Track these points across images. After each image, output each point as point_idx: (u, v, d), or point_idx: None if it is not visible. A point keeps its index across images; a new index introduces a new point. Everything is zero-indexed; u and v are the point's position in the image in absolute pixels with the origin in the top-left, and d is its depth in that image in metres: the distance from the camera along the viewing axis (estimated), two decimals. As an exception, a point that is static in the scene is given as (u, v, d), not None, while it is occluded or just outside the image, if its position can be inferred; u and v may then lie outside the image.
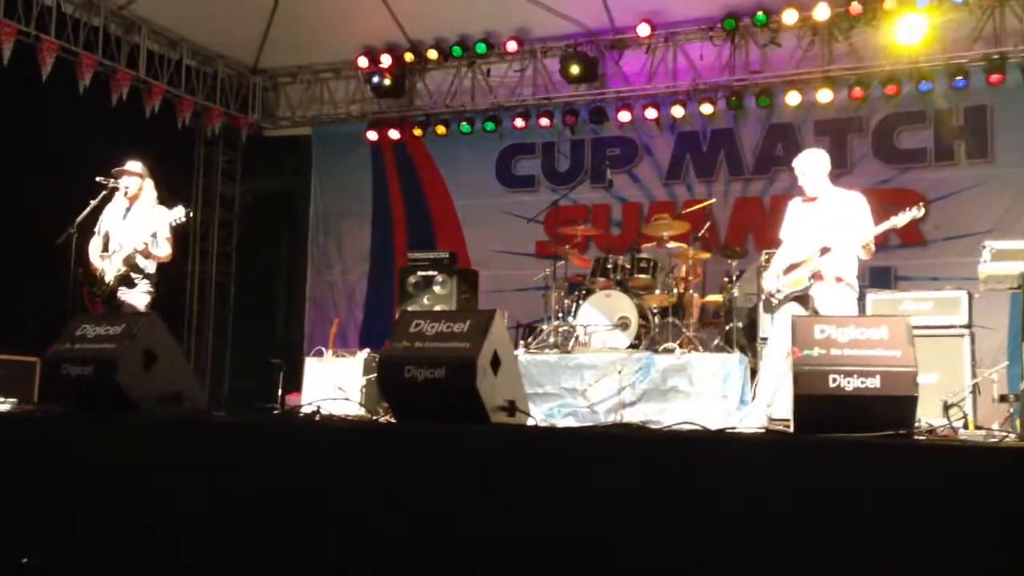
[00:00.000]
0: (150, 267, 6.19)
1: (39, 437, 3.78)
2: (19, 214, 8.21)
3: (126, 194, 6.23)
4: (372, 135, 10.69)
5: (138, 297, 6.14)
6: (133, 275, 6.11)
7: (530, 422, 3.60)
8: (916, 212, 5.33)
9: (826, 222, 5.47)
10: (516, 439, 3.15)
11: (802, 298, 5.47)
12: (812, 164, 5.57)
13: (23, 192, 8.36)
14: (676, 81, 9.51)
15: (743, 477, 2.69)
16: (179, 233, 6.31)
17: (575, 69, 9.53)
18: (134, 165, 6.28)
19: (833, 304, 5.33)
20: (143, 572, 3.28)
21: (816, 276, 5.40)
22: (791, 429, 3.35)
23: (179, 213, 6.12)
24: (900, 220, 5.33)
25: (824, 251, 5.38)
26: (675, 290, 7.51)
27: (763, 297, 5.93)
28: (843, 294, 5.40)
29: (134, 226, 6.17)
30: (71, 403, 3.98)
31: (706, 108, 9.33)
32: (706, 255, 8.05)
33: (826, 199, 5.57)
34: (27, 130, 8.44)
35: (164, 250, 6.19)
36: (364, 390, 7.53)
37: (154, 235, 6.13)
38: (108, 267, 6.12)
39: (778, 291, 5.58)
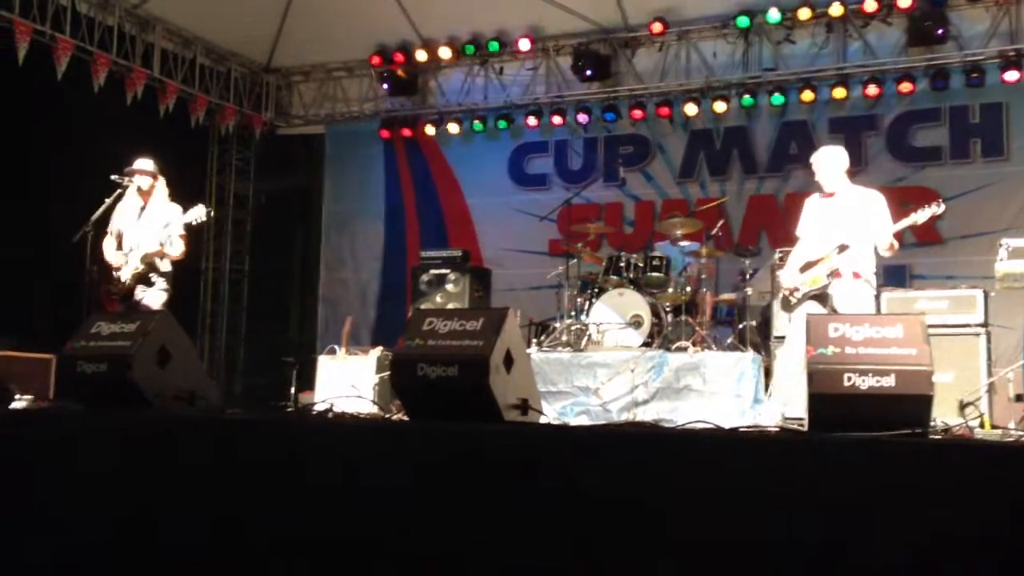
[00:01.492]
0: (165, 265, 6.23)
1: (54, 433, 3.80)
2: (34, 213, 8.27)
3: (139, 192, 6.26)
4: (385, 133, 10.71)
5: (155, 296, 6.17)
6: (151, 275, 6.14)
7: (543, 420, 3.59)
8: (936, 208, 5.30)
9: (844, 219, 5.45)
10: (529, 437, 3.15)
11: (820, 296, 5.44)
12: (830, 160, 5.55)
13: (38, 190, 8.42)
14: (689, 79, 9.49)
15: (757, 476, 2.68)
16: (193, 232, 6.33)
17: (588, 67, 9.52)
18: (147, 163, 6.32)
19: (851, 300, 5.31)
20: (151, 571, 3.29)
21: (834, 274, 5.38)
22: (805, 428, 3.33)
23: (200, 212, 6.14)
24: (920, 217, 5.31)
25: (842, 248, 5.36)
26: (688, 288, 7.49)
27: (781, 295, 5.90)
28: (861, 290, 5.38)
29: (149, 224, 6.20)
30: (86, 400, 4.00)
31: (719, 106, 9.29)
32: (719, 253, 8.03)
33: (844, 196, 5.55)
34: (42, 129, 8.50)
35: (177, 249, 6.21)
36: (377, 388, 7.55)
37: (166, 226, 6.14)
38: (125, 266, 6.15)
39: (796, 289, 5.55)
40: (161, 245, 6.09)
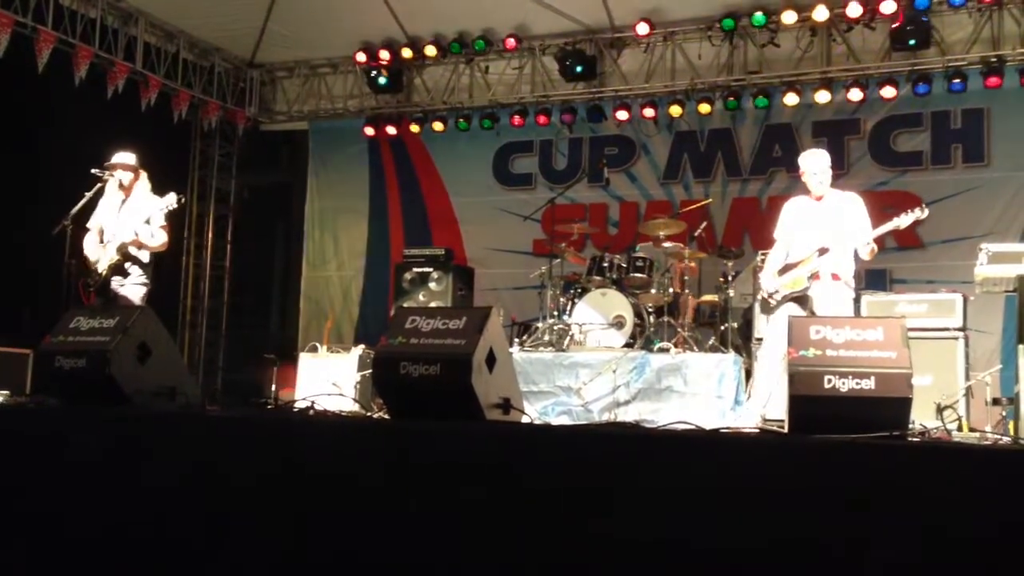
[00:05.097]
0: (144, 256, 6.16)
1: (31, 430, 3.76)
2: (13, 206, 8.19)
3: (120, 186, 6.21)
4: (369, 131, 10.68)
5: (133, 289, 6.11)
6: (127, 265, 6.08)
7: (525, 420, 3.59)
8: (920, 213, 5.33)
9: (830, 222, 5.48)
10: (510, 437, 3.14)
11: (800, 298, 5.47)
12: (825, 164, 5.58)
13: (17, 184, 8.35)
14: (674, 80, 9.51)
15: (737, 477, 2.69)
16: (174, 227, 6.29)
17: (574, 67, 9.53)
18: (128, 157, 6.26)
19: (830, 302, 5.34)
20: (133, 570, 3.26)
21: (814, 276, 5.41)
22: (785, 430, 3.35)
23: (170, 200, 6.09)
24: (904, 221, 5.34)
25: (822, 251, 5.39)
26: (671, 289, 7.51)
27: (760, 298, 5.93)
28: (840, 292, 5.41)
29: (129, 217, 6.15)
30: (64, 396, 3.96)
31: (704, 108, 9.32)
32: (702, 255, 8.06)
33: (830, 200, 5.59)
34: (22, 122, 8.43)
35: (159, 239, 6.15)
36: (358, 386, 7.53)
37: (147, 222, 6.10)
38: (102, 257, 6.10)
39: (776, 292, 5.57)
40: (137, 235, 6.04)
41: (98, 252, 6.13)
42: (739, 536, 2.60)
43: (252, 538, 3.14)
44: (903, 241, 8.31)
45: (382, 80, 10.26)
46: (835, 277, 5.39)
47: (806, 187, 5.65)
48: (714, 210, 9.23)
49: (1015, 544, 2.38)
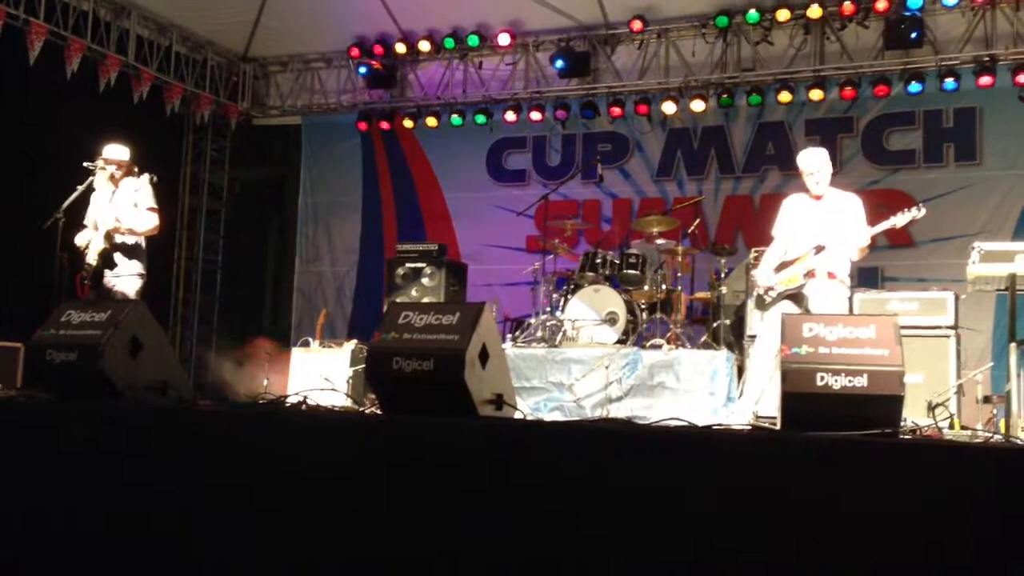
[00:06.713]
0: (132, 242, 6.12)
1: (21, 424, 3.74)
2: (4, 199, 8.15)
3: (112, 178, 6.18)
4: (363, 126, 10.66)
5: (128, 281, 6.08)
6: (117, 254, 6.04)
7: (517, 416, 3.59)
8: (916, 212, 5.33)
9: (829, 221, 5.48)
10: (503, 432, 3.14)
11: (795, 296, 5.47)
12: (825, 163, 5.56)
13: (8, 177, 8.30)
14: (668, 77, 9.51)
15: (729, 474, 2.69)
16: (166, 221, 6.26)
17: (567, 63, 9.53)
18: (122, 151, 6.24)
19: (826, 300, 5.34)
20: (124, 568, 3.25)
21: (810, 274, 5.41)
22: (777, 427, 3.35)
23: (143, 180, 6.07)
24: (900, 220, 5.34)
25: (819, 249, 5.39)
26: (663, 286, 7.52)
27: (755, 294, 5.93)
28: (836, 290, 5.41)
29: (118, 205, 6.12)
30: (55, 390, 3.94)
31: (697, 105, 9.32)
32: (695, 252, 8.07)
33: (830, 198, 5.59)
34: (12, 115, 8.37)
35: (149, 221, 6.11)
36: (351, 381, 7.52)
37: (135, 206, 6.05)
38: (92, 247, 6.06)
39: (771, 288, 5.57)
40: (118, 220, 5.99)
41: (83, 241, 6.09)
42: (732, 534, 2.60)
43: (250, 536, 3.13)
44: (895, 239, 8.31)
45: (362, 69, 10.23)
46: (831, 276, 5.39)
47: (805, 185, 5.64)
48: (707, 207, 9.25)
49: (1008, 541, 2.39)
